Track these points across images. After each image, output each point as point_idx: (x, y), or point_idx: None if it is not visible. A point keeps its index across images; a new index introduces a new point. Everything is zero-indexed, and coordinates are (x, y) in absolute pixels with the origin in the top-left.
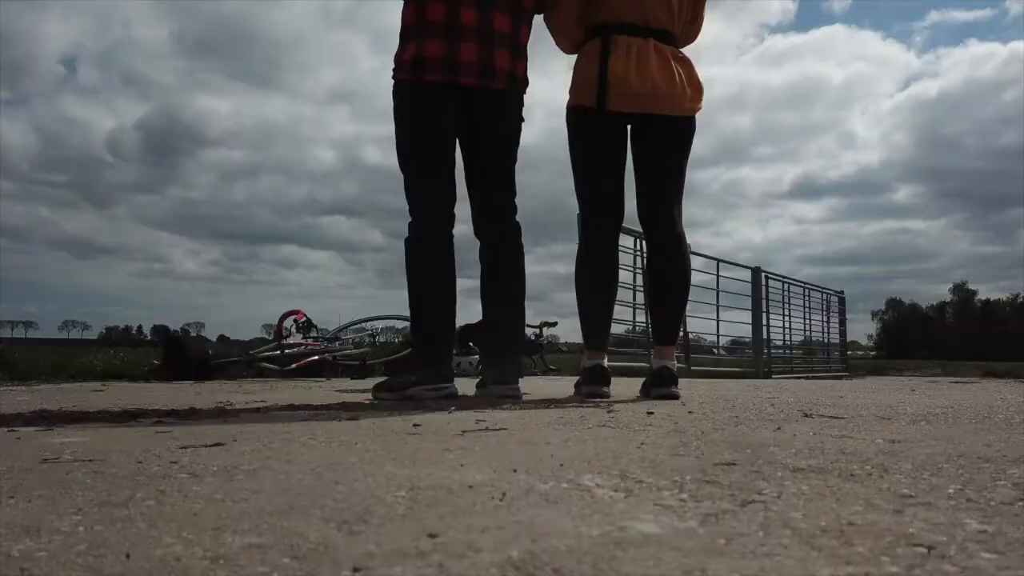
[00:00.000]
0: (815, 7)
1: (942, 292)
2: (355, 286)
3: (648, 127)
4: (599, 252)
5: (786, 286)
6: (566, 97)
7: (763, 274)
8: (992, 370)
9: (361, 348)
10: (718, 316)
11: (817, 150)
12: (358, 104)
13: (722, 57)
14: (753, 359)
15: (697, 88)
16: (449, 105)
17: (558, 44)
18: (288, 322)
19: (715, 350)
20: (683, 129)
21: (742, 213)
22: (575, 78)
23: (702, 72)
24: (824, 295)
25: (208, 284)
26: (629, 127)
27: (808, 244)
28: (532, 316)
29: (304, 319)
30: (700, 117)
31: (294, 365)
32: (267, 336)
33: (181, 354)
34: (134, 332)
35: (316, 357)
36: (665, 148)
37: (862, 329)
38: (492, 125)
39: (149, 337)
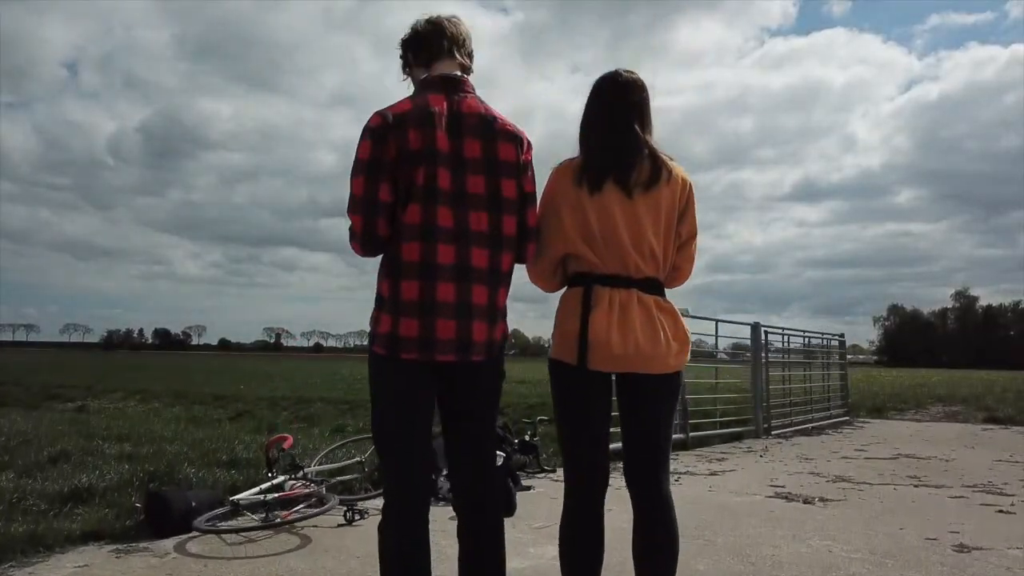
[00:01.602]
0: (815, 10)
1: (944, 295)
2: (356, 288)
3: (632, 382)
4: (584, 517)
5: (786, 337)
6: (566, 100)
7: (762, 329)
8: (994, 414)
9: (349, 475)
10: (717, 376)
11: (818, 153)
12: (360, 107)
13: (722, 60)
14: (753, 416)
15: (683, 341)
16: (425, 379)
17: (536, 285)
18: (274, 451)
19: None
20: (667, 384)
21: (743, 216)
22: (556, 331)
23: (703, 75)
24: (824, 340)
25: (209, 286)
26: (614, 376)
27: (809, 247)
28: (533, 319)
29: (290, 449)
30: (702, 119)
31: (279, 520)
32: (268, 339)
33: (164, 509)
34: (135, 335)
35: (302, 506)
36: (648, 406)
37: (863, 333)
38: (470, 396)
39: (150, 340)
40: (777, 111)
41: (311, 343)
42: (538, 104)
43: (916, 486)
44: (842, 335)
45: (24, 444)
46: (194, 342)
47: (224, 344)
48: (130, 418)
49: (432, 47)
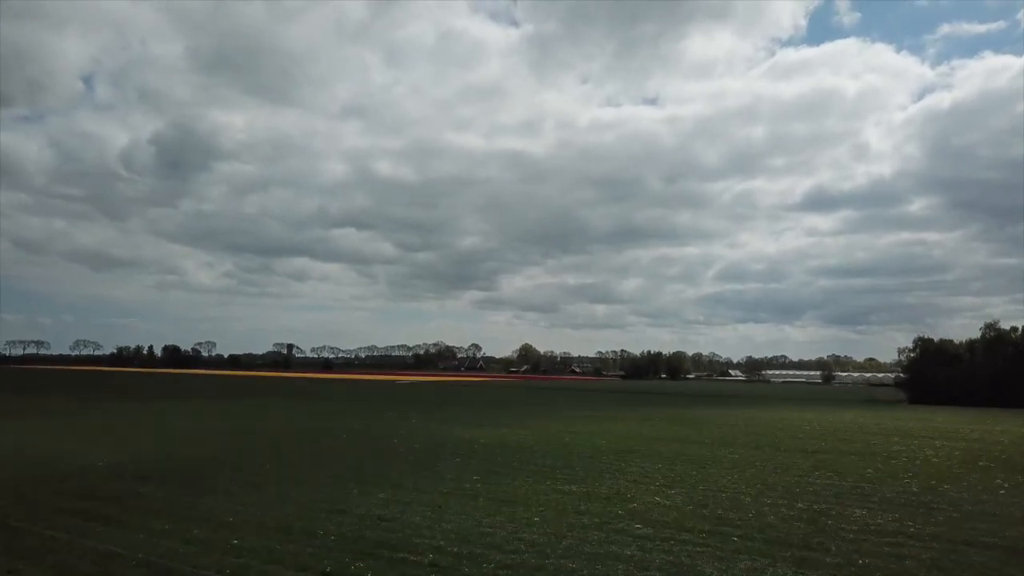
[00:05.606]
0: (826, 21)
1: (960, 304)
2: (367, 298)
3: None
4: None
5: None
6: (575, 110)
7: None
8: None
9: None
10: None
11: (830, 162)
12: (371, 118)
13: (733, 70)
14: None
15: None
16: None
17: None
18: None
19: None
20: None
21: (755, 225)
22: None
23: (714, 84)
24: None
25: (221, 296)
26: None
27: (822, 256)
28: (543, 328)
29: None
30: (713, 128)
31: None
32: (280, 351)
33: None
34: (145, 352)
35: None
36: None
37: (876, 343)
38: None
39: (160, 356)
40: (788, 120)
41: (320, 357)
42: (548, 113)
43: None
44: None
45: None
46: (204, 355)
47: (234, 360)
48: None
49: None
